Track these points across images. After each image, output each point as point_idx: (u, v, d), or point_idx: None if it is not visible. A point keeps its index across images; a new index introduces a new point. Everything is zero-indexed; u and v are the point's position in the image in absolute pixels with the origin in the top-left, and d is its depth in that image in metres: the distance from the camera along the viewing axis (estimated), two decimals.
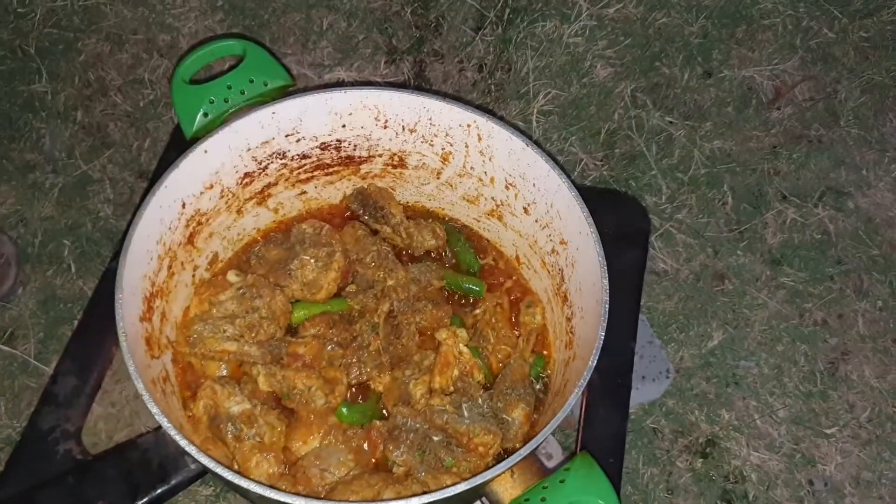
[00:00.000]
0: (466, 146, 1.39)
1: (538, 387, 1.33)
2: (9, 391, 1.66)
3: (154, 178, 1.29)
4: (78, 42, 2.04)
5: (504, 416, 1.24)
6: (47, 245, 1.81)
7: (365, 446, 1.23)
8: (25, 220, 1.84)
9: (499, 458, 1.20)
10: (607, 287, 1.19)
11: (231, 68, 1.41)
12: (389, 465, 1.19)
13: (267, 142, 1.35)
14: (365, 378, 1.28)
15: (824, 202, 2.02)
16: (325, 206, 1.51)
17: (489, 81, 2.10)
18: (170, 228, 1.27)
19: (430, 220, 1.47)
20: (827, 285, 1.92)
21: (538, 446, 1.08)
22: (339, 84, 2.05)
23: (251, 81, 1.40)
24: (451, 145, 1.40)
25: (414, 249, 1.44)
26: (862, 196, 2.04)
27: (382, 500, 1.11)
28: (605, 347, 1.14)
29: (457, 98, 1.79)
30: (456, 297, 1.42)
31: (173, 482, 1.20)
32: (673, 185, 2.00)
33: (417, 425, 1.20)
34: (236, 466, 1.18)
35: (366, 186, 1.49)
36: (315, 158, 1.42)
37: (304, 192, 1.47)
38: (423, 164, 1.45)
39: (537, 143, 1.33)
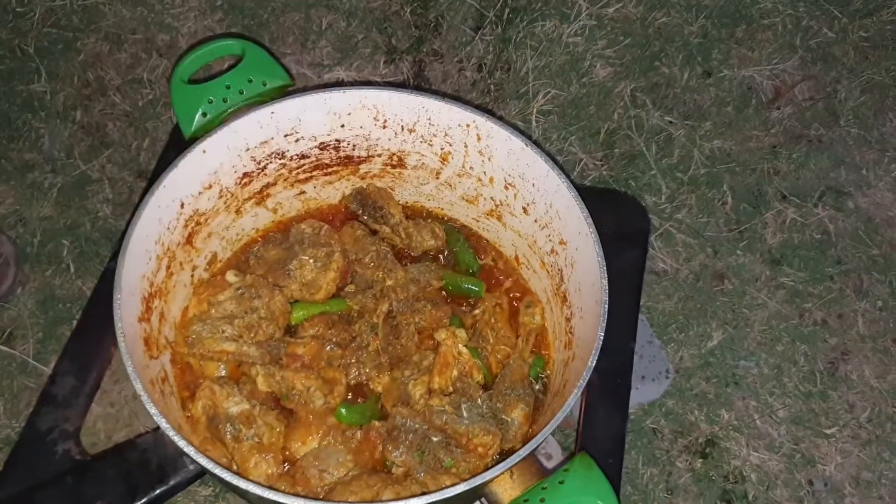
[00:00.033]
0: (466, 146, 1.39)
1: (537, 387, 1.33)
2: (7, 391, 1.66)
3: (153, 178, 1.29)
4: (77, 42, 2.04)
5: (503, 416, 1.24)
6: (46, 245, 1.81)
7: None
8: (24, 220, 1.84)
9: (498, 459, 1.20)
10: (607, 287, 1.19)
11: (230, 68, 1.41)
12: (388, 466, 1.19)
13: (266, 142, 1.35)
14: (364, 378, 1.28)
15: (824, 202, 2.02)
16: (324, 206, 1.51)
17: (488, 81, 2.09)
18: (168, 228, 1.27)
19: (430, 221, 1.47)
20: (827, 285, 1.92)
21: (537, 447, 1.08)
22: (339, 84, 2.05)
23: (250, 81, 1.39)
24: (450, 145, 1.40)
25: (413, 249, 1.44)
26: (862, 196, 2.04)
27: (381, 501, 1.11)
28: (604, 347, 1.14)
29: (456, 98, 1.78)
30: (455, 296, 1.42)
31: (172, 482, 1.19)
32: (672, 184, 2.00)
33: (416, 426, 1.19)
34: (235, 467, 1.18)
35: (365, 186, 1.48)
36: (314, 158, 1.42)
37: (302, 192, 1.47)
38: (423, 164, 1.45)
39: (537, 143, 1.33)
